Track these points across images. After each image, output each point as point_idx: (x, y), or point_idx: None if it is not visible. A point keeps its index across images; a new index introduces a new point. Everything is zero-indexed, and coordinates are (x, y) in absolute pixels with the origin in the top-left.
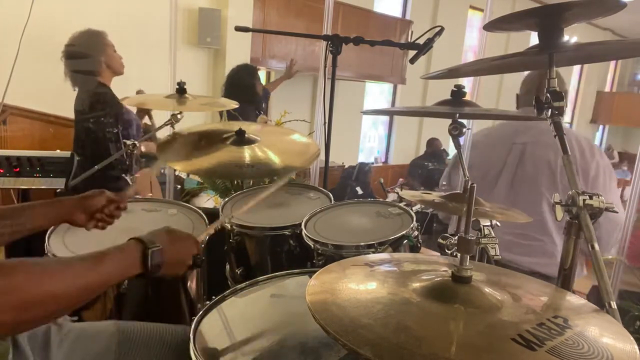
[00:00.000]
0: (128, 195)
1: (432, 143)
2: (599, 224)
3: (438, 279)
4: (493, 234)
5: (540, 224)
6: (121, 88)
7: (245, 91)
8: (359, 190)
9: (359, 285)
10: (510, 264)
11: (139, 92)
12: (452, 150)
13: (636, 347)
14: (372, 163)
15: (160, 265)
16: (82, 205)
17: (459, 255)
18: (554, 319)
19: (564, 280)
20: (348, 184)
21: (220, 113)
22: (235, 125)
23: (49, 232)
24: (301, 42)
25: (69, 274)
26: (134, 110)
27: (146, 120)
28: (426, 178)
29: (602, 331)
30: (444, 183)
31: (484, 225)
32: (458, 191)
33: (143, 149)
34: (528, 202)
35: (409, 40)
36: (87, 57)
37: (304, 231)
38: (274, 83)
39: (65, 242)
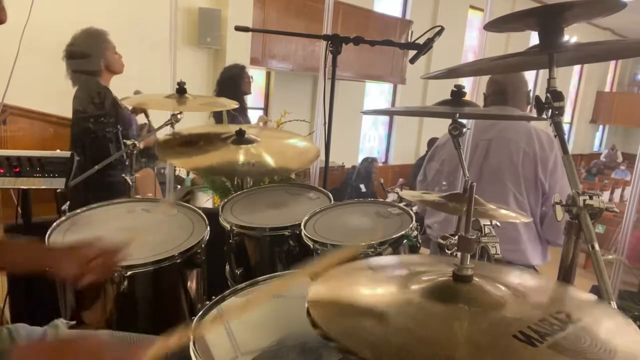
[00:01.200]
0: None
1: (433, 142)
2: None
3: (439, 279)
4: (494, 233)
5: None
6: (121, 88)
7: (228, 90)
8: (363, 188)
9: (361, 286)
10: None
11: (136, 92)
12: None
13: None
14: (376, 159)
15: None
16: (72, 256)
17: (459, 254)
18: (557, 314)
19: (564, 280)
20: (349, 184)
21: (218, 113)
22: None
23: (49, 232)
24: (301, 42)
25: None
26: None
27: (142, 118)
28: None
29: (605, 323)
30: (420, 179)
31: (484, 225)
32: (430, 186)
33: (141, 145)
34: (495, 194)
35: (409, 40)
36: (86, 56)
37: (303, 231)
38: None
39: (65, 243)
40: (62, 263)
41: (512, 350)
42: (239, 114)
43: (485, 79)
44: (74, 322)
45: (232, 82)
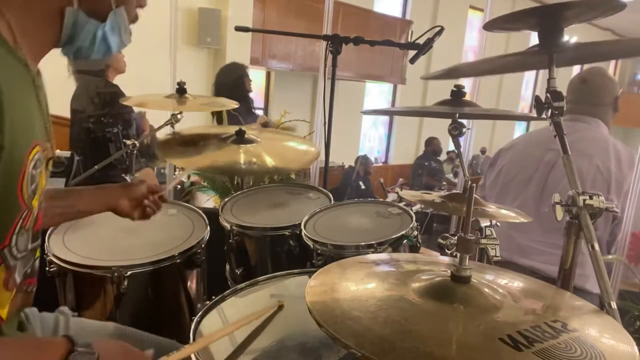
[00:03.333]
0: (167, 187)
1: (432, 142)
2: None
3: (437, 278)
4: (494, 235)
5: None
6: (121, 88)
7: (234, 90)
8: (362, 185)
9: (358, 282)
10: (533, 269)
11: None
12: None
13: (636, 349)
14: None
15: None
16: (127, 193)
17: (458, 255)
18: (553, 322)
19: (564, 281)
20: (349, 184)
21: (219, 113)
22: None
23: (49, 232)
24: (301, 42)
25: None
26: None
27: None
28: (428, 177)
29: (600, 334)
30: (480, 183)
31: (485, 226)
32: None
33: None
34: None
35: (409, 40)
36: None
37: (303, 231)
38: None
39: (65, 242)
40: (120, 200)
41: (495, 352)
42: (245, 115)
43: (485, 79)
44: (76, 314)
45: (237, 83)
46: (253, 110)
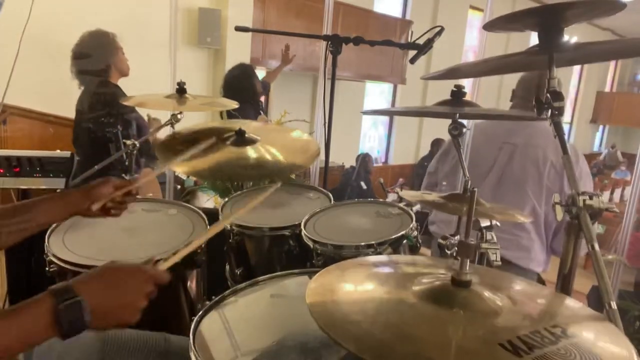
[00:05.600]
0: (136, 181)
1: (438, 142)
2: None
3: (438, 282)
4: (495, 239)
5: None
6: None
7: (244, 92)
8: (363, 185)
9: (358, 285)
10: None
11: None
12: None
13: (635, 354)
14: (369, 154)
15: (84, 321)
16: (89, 196)
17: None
18: (552, 327)
19: (564, 282)
20: (349, 184)
21: (221, 114)
22: (236, 125)
23: (48, 231)
24: (301, 42)
25: None
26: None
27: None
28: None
29: (599, 339)
30: (430, 171)
31: (485, 230)
32: (444, 182)
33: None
34: (512, 201)
35: (409, 40)
36: (94, 58)
37: (303, 231)
38: (272, 73)
39: (65, 242)
40: (82, 204)
41: (494, 357)
42: (253, 117)
43: (485, 79)
44: None
45: (248, 84)
46: (261, 112)
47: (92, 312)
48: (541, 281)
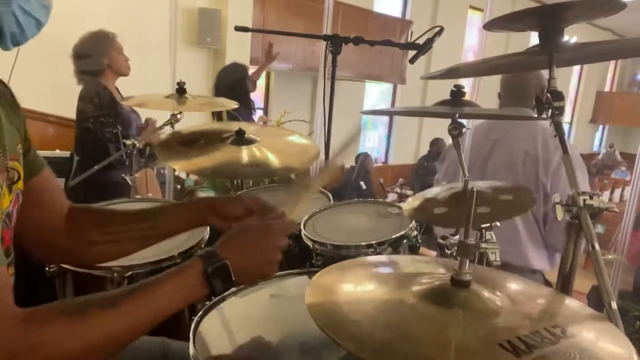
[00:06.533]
0: (274, 207)
1: (437, 142)
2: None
3: (437, 282)
4: (494, 239)
5: None
6: (121, 88)
7: (235, 91)
8: (363, 185)
9: (358, 286)
10: None
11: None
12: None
13: (635, 355)
14: (369, 154)
15: (230, 281)
16: (217, 211)
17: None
18: (552, 328)
19: (564, 283)
20: (349, 184)
21: (219, 114)
22: (235, 126)
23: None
24: (301, 42)
25: (113, 320)
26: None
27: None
28: (427, 177)
29: (599, 339)
30: (438, 177)
31: (485, 230)
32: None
33: (141, 145)
34: None
35: (409, 40)
36: (90, 57)
37: (303, 231)
38: (256, 71)
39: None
40: (209, 218)
41: (494, 358)
42: (245, 116)
43: (485, 79)
44: None
45: (238, 83)
46: (253, 111)
47: (236, 271)
48: (548, 283)
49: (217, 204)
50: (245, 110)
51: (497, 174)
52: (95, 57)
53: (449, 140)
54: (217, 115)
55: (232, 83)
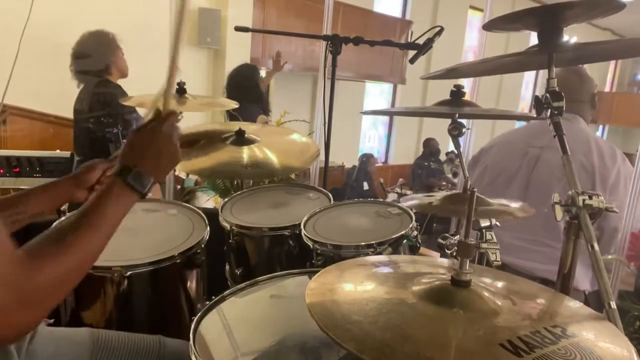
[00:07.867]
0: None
1: (428, 143)
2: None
3: (437, 282)
4: (495, 239)
5: (553, 230)
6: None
7: (249, 91)
8: (365, 186)
9: (358, 286)
10: (517, 268)
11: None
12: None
13: (634, 354)
14: (372, 155)
15: (149, 179)
16: (79, 182)
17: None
18: (552, 327)
19: (563, 283)
20: (350, 184)
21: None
22: (235, 126)
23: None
24: (301, 42)
25: (82, 241)
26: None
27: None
28: (427, 178)
29: (599, 339)
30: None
31: (485, 230)
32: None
33: None
34: (541, 207)
35: (409, 40)
36: (98, 58)
37: (303, 231)
38: (266, 77)
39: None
40: (73, 191)
41: (495, 358)
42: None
43: (485, 79)
44: (51, 321)
45: (254, 84)
46: (270, 111)
47: (150, 171)
48: (587, 302)
49: (76, 179)
50: (258, 111)
51: (546, 186)
52: (100, 56)
53: (446, 140)
54: (230, 116)
55: (248, 83)
